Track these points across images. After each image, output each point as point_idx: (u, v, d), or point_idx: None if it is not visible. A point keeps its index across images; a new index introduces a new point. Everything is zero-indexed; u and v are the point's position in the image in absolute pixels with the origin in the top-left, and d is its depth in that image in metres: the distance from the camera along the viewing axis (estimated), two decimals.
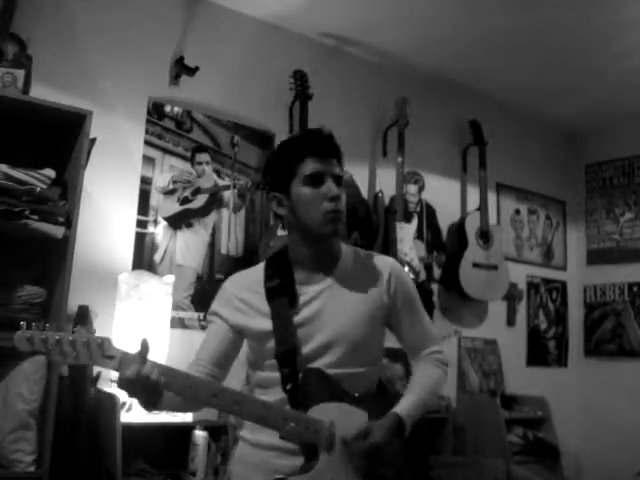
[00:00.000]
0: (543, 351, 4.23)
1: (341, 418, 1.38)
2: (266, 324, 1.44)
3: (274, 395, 1.42)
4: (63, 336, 1.23)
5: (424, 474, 1.51)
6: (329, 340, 1.43)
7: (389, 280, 1.51)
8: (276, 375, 1.42)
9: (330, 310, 1.45)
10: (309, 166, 1.43)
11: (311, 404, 1.38)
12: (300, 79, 3.14)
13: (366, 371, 1.47)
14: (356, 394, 1.43)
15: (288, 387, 1.39)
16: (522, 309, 4.15)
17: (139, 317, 2.41)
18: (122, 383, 1.24)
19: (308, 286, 1.48)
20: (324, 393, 1.40)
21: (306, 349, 1.43)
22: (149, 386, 1.24)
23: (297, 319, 1.44)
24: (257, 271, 1.54)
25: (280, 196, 1.47)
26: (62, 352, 1.22)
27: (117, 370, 1.25)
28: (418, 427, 1.46)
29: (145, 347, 1.26)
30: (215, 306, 1.53)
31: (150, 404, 1.29)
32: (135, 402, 1.32)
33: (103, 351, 1.24)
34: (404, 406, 1.43)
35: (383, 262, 1.55)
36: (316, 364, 1.42)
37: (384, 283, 1.51)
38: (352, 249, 1.58)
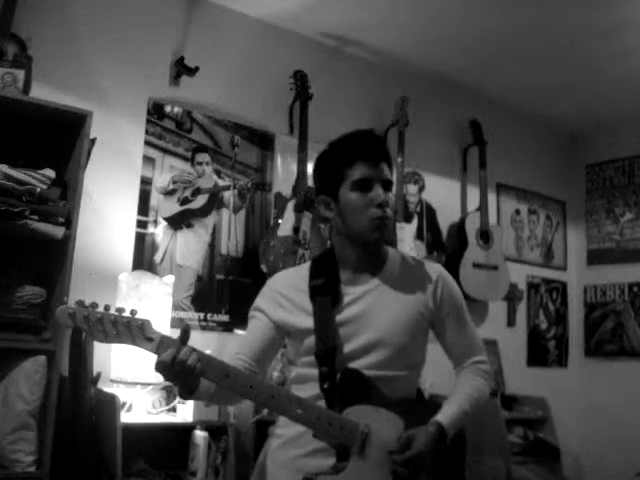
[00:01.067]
0: (543, 351, 4.23)
1: (377, 422, 1.36)
2: (307, 321, 1.44)
3: (310, 391, 1.41)
4: (105, 315, 1.23)
5: None
6: (370, 342, 1.42)
7: (436, 287, 1.50)
8: (313, 372, 1.41)
9: (374, 312, 1.45)
10: (358, 171, 1.43)
11: (347, 405, 1.36)
12: (300, 79, 3.14)
13: (406, 375, 1.46)
14: (394, 399, 1.41)
15: (325, 386, 1.38)
16: (522, 309, 4.15)
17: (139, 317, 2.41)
18: (159, 366, 1.24)
19: (353, 287, 1.47)
20: (361, 395, 1.38)
21: (346, 349, 1.41)
22: (185, 371, 1.23)
23: (339, 318, 1.43)
24: (303, 269, 1.54)
25: (328, 199, 1.48)
26: (104, 330, 1.22)
27: (155, 353, 1.25)
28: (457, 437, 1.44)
29: (185, 332, 1.26)
30: (258, 302, 1.53)
31: (186, 391, 1.29)
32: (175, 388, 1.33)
33: (144, 332, 1.24)
34: (447, 415, 1.41)
35: (431, 269, 1.55)
36: (355, 365, 1.41)
37: (431, 289, 1.50)
38: (400, 254, 1.58)
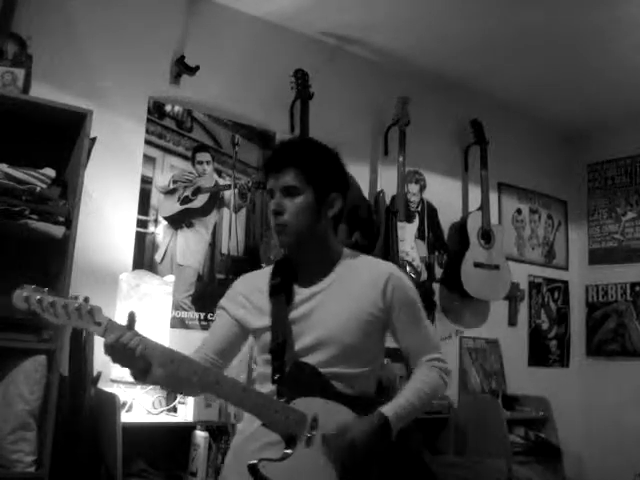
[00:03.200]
0: (545, 351, 4.22)
1: (326, 414, 1.40)
2: (265, 320, 1.51)
3: (266, 388, 1.47)
4: (57, 299, 1.33)
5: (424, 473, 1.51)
6: (319, 340, 1.47)
7: (386, 285, 1.52)
8: (269, 369, 1.47)
9: (322, 311, 1.50)
10: (267, 182, 1.54)
11: (296, 396, 1.41)
12: (301, 78, 3.13)
13: (359, 373, 1.49)
14: (347, 394, 1.45)
15: (276, 377, 1.44)
16: (524, 309, 4.14)
17: (139, 317, 2.40)
18: (105, 349, 1.33)
19: (305, 287, 1.53)
20: (312, 387, 1.43)
21: (297, 346, 1.48)
22: (127, 353, 1.32)
23: (292, 316, 1.50)
24: (265, 271, 1.62)
25: None
26: (55, 313, 1.32)
27: (102, 336, 1.34)
28: (412, 432, 1.48)
29: (131, 318, 1.36)
30: (222, 302, 1.62)
31: (137, 374, 1.37)
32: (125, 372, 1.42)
33: (93, 317, 1.33)
34: (392, 407, 1.43)
35: (383, 268, 1.57)
36: (306, 360, 1.46)
37: (381, 289, 1.51)
38: (354, 253, 1.61)
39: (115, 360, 1.34)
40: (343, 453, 1.36)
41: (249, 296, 1.57)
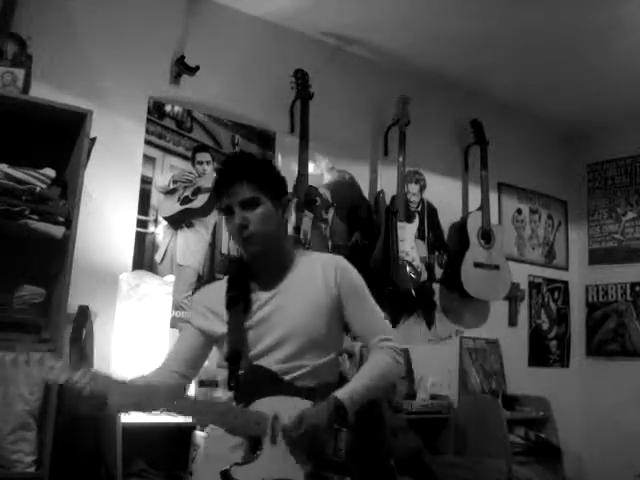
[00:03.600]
0: (545, 351, 4.22)
1: (286, 410, 1.46)
2: (224, 328, 1.58)
3: (225, 394, 1.54)
4: (5, 355, 1.39)
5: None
6: (278, 339, 1.54)
7: (335, 275, 1.61)
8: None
9: (280, 312, 1.57)
10: (221, 200, 1.59)
11: (253, 399, 1.47)
12: (301, 78, 3.13)
13: (322, 363, 1.56)
14: (306, 386, 1.52)
15: (232, 384, 1.51)
16: (524, 309, 4.14)
17: (139, 317, 2.41)
18: (64, 393, 1.46)
19: (262, 292, 1.61)
20: (267, 388, 1.49)
21: (256, 349, 1.55)
22: (78, 391, 1.37)
23: (249, 323, 1.57)
24: (222, 283, 1.68)
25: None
26: (2, 364, 1.41)
27: (55, 379, 1.39)
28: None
29: (77, 357, 1.47)
30: (186, 315, 1.78)
31: (94, 410, 1.42)
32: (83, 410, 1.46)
33: (44, 362, 1.38)
34: (346, 390, 1.50)
35: (330, 260, 1.67)
36: (265, 361, 1.53)
37: (331, 279, 1.61)
38: (304, 253, 1.71)
39: (68, 401, 1.46)
40: (303, 441, 1.42)
41: (209, 306, 1.64)
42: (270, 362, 1.53)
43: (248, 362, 1.53)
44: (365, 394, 1.52)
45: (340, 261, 1.67)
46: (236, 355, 1.53)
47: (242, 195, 1.55)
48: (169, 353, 1.67)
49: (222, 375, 1.63)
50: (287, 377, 1.53)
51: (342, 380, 1.63)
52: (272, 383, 1.50)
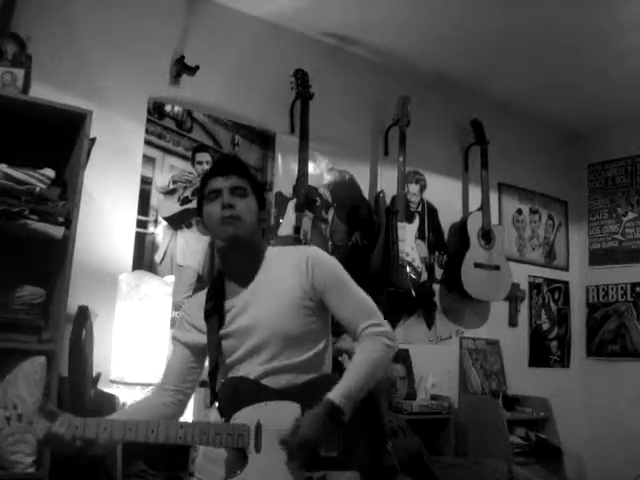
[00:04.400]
0: (545, 352, 4.22)
1: (270, 415, 1.46)
2: (205, 339, 1.61)
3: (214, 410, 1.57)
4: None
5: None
6: (257, 343, 1.53)
7: (307, 267, 1.57)
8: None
9: (255, 316, 1.55)
10: (209, 186, 1.61)
11: (232, 412, 1.47)
12: (301, 78, 3.13)
13: (307, 358, 1.54)
14: (288, 388, 1.50)
15: (211, 400, 1.55)
16: (524, 309, 4.14)
17: (139, 317, 2.40)
18: (44, 445, 1.45)
19: (235, 298, 1.60)
20: (245, 398, 1.48)
21: (233, 357, 1.56)
22: (63, 441, 1.37)
23: (225, 332, 1.57)
24: (202, 294, 1.68)
25: (198, 218, 1.67)
26: None
27: (36, 436, 1.40)
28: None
29: (49, 410, 1.44)
30: (173, 332, 1.73)
31: (83, 452, 1.41)
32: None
33: (21, 421, 1.39)
34: (336, 391, 1.46)
35: (301, 253, 1.63)
36: (247, 366, 1.53)
37: (303, 272, 1.57)
38: (278, 249, 1.70)
39: (57, 450, 1.43)
40: (301, 450, 1.41)
41: (192, 320, 1.65)
42: (252, 367, 1.53)
43: (224, 375, 1.55)
44: (359, 389, 1.49)
45: (311, 253, 1.62)
46: (214, 369, 1.56)
47: (235, 182, 1.59)
48: (165, 369, 1.69)
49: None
50: (270, 379, 1.51)
51: (338, 368, 1.63)
52: (252, 391, 1.50)
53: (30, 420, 1.39)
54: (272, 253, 1.66)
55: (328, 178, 3.35)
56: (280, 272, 1.59)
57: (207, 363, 1.60)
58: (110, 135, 2.62)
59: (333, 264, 1.63)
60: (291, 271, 1.58)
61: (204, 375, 2.05)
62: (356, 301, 1.59)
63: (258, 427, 1.44)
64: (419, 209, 3.70)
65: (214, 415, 1.61)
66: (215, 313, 1.59)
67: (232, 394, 1.51)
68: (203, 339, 1.61)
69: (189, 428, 1.44)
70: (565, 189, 4.51)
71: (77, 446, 1.39)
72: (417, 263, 3.58)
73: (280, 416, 1.45)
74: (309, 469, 1.43)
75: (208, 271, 2.91)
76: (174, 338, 1.69)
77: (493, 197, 3.97)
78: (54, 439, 1.37)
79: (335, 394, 1.45)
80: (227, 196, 1.57)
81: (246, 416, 1.46)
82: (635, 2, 2.96)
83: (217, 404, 1.54)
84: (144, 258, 2.74)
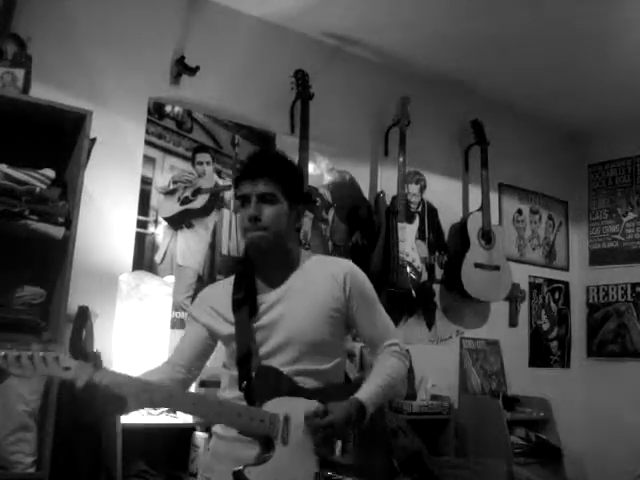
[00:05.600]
0: (545, 352, 4.21)
1: (296, 411, 1.47)
2: (230, 330, 1.59)
3: (232, 393, 1.54)
4: (22, 353, 1.32)
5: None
6: (285, 340, 1.55)
7: (344, 281, 1.60)
8: (235, 374, 1.55)
9: (286, 314, 1.57)
10: (239, 190, 1.60)
11: (265, 399, 1.48)
12: (301, 79, 3.13)
13: (324, 368, 1.56)
14: (312, 389, 1.53)
15: (243, 385, 1.51)
16: (524, 310, 4.14)
17: (139, 318, 2.41)
18: (77, 392, 1.34)
19: (267, 294, 1.60)
20: (277, 389, 1.50)
21: (263, 350, 1.55)
22: (101, 392, 1.34)
23: (257, 325, 1.57)
24: (227, 283, 1.67)
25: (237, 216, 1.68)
26: (21, 366, 1.31)
27: (73, 380, 1.34)
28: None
29: (96, 357, 1.44)
30: (190, 310, 1.73)
31: (114, 411, 1.42)
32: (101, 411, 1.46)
33: (59, 363, 1.34)
34: (365, 392, 1.52)
35: (340, 266, 1.66)
36: (271, 363, 1.53)
37: (340, 285, 1.60)
38: (311, 255, 1.71)
39: (90, 401, 1.37)
40: (322, 431, 1.44)
41: (215, 306, 1.64)
42: (275, 364, 1.54)
43: (257, 363, 1.53)
44: (381, 397, 1.56)
45: (352, 268, 1.66)
46: (246, 357, 1.53)
47: (264, 188, 1.56)
48: (175, 348, 1.67)
49: (226, 376, 1.64)
50: (297, 379, 1.53)
51: (347, 381, 1.66)
52: (282, 384, 1.51)
53: (67, 365, 1.34)
54: (307, 258, 1.67)
55: (328, 178, 3.35)
56: (315, 279, 1.61)
57: (234, 352, 1.57)
58: (110, 135, 2.62)
59: (367, 281, 1.67)
60: (326, 281, 1.61)
61: (203, 375, 2.06)
62: (381, 320, 1.67)
63: (286, 419, 1.46)
64: (419, 209, 3.70)
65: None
66: (246, 304, 1.58)
67: (264, 383, 1.51)
68: (223, 328, 1.60)
69: (227, 407, 1.45)
70: (565, 189, 4.51)
71: (112, 406, 1.37)
72: (417, 263, 3.58)
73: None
74: (327, 469, 1.45)
75: (208, 272, 2.91)
76: (192, 317, 1.67)
77: (493, 197, 3.96)
78: (92, 390, 1.33)
79: (364, 396, 1.50)
80: (254, 205, 1.55)
81: (276, 406, 1.47)
82: (635, 2, 2.96)
83: (243, 390, 1.52)
84: (144, 258, 2.74)
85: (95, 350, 2.31)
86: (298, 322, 1.56)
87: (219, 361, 1.69)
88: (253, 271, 1.64)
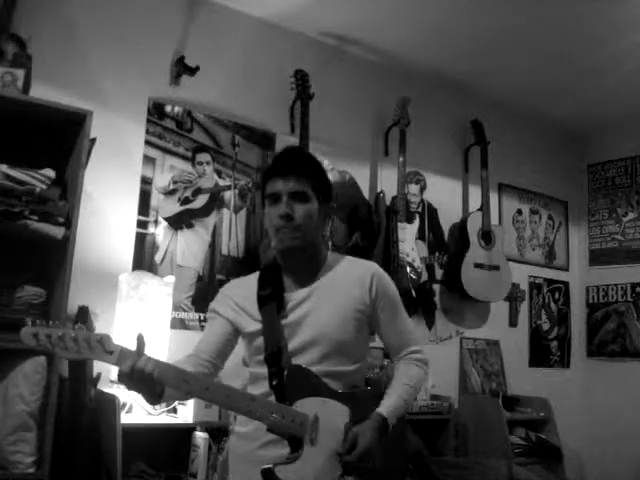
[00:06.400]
0: (545, 352, 4.21)
1: (324, 412, 1.47)
2: (255, 325, 1.57)
3: (260, 389, 1.53)
4: (66, 332, 1.28)
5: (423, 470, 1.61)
6: (311, 339, 1.53)
7: (371, 284, 1.60)
8: (263, 371, 1.53)
9: (313, 313, 1.56)
10: (269, 187, 1.57)
11: (295, 398, 1.47)
12: (301, 79, 3.13)
13: (348, 370, 1.56)
14: (339, 390, 1.52)
15: (274, 383, 1.49)
16: (524, 310, 4.14)
17: (139, 318, 2.40)
18: (120, 377, 1.32)
19: (294, 292, 1.59)
20: (308, 388, 1.49)
21: (289, 348, 1.54)
22: (144, 379, 1.31)
23: (284, 322, 1.56)
24: (252, 279, 1.66)
25: (263, 211, 1.63)
26: (65, 347, 1.27)
27: (116, 364, 1.32)
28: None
29: (141, 342, 1.34)
30: (213, 305, 1.67)
31: (152, 397, 1.38)
32: (139, 398, 1.40)
33: (103, 346, 1.30)
34: (387, 406, 1.53)
35: (366, 268, 1.65)
36: (298, 361, 1.52)
37: (367, 287, 1.60)
38: (338, 256, 1.70)
39: (130, 388, 1.34)
40: (359, 462, 1.43)
41: (239, 302, 1.62)
42: (302, 363, 1.53)
43: (288, 361, 1.52)
44: (402, 408, 1.57)
45: (378, 270, 1.65)
46: (276, 355, 1.51)
47: (295, 186, 1.55)
48: (199, 342, 1.63)
49: (248, 373, 1.62)
50: (324, 379, 1.53)
51: (366, 384, 1.66)
52: (311, 384, 1.50)
53: (111, 349, 1.30)
54: (333, 258, 1.67)
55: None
56: (342, 280, 1.60)
57: (260, 349, 1.54)
58: (110, 135, 2.62)
59: (393, 285, 1.67)
60: (353, 282, 1.60)
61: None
62: (404, 325, 1.67)
63: (315, 420, 1.46)
64: (419, 209, 3.70)
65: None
66: (273, 301, 1.57)
67: (296, 381, 1.49)
68: (248, 324, 1.58)
69: (259, 403, 1.43)
70: (565, 189, 4.51)
71: (153, 390, 1.35)
72: (417, 263, 3.58)
73: (333, 415, 1.48)
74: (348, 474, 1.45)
75: (208, 272, 2.91)
76: (215, 312, 1.65)
77: (493, 197, 3.97)
78: (137, 375, 1.30)
79: (386, 410, 1.51)
80: (286, 203, 1.54)
81: (306, 406, 1.46)
82: (635, 2, 2.96)
83: (274, 387, 1.50)
84: (144, 258, 2.74)
85: (95, 374, 2.32)
86: (325, 320, 1.54)
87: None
88: (280, 268, 1.63)
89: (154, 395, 1.37)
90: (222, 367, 1.63)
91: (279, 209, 1.53)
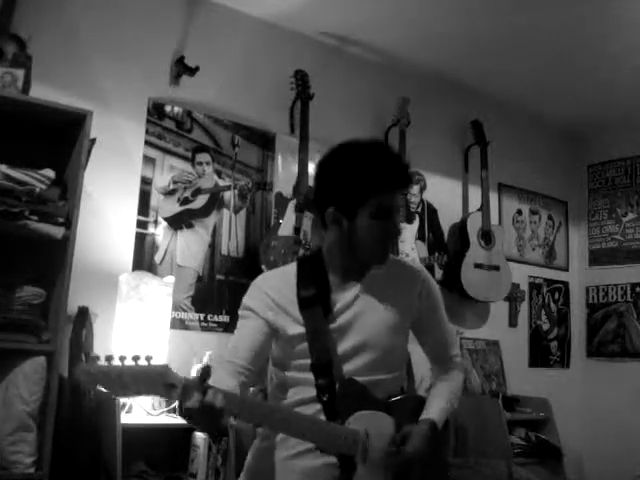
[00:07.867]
0: (545, 352, 4.21)
1: (373, 426, 1.40)
2: (298, 329, 1.44)
3: (304, 394, 1.42)
4: (124, 369, 1.14)
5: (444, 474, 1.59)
6: (361, 344, 1.44)
7: (421, 288, 1.55)
8: (306, 376, 1.42)
9: (363, 316, 1.47)
10: (383, 199, 1.41)
11: (347, 415, 1.39)
12: (301, 79, 3.13)
13: (391, 378, 1.50)
14: (383, 400, 1.46)
15: (325, 398, 1.39)
16: (524, 310, 4.14)
17: (139, 318, 2.40)
18: (187, 413, 1.19)
19: (342, 293, 1.48)
20: (358, 402, 1.41)
21: (339, 352, 1.44)
22: (213, 414, 1.19)
23: (332, 327, 1.44)
24: (290, 274, 1.51)
25: (339, 216, 1.43)
26: (124, 385, 1.14)
27: (180, 399, 1.18)
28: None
29: (206, 372, 1.20)
30: (248, 302, 1.49)
31: (215, 430, 1.34)
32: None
33: (164, 380, 1.16)
34: (436, 411, 1.50)
35: (415, 270, 1.60)
36: (348, 367, 1.43)
37: (417, 290, 1.54)
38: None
39: (197, 423, 1.25)
40: (406, 464, 1.40)
41: (276, 299, 1.46)
42: (347, 370, 1.43)
43: (339, 374, 1.41)
44: (447, 415, 1.54)
45: (426, 274, 1.60)
46: (325, 365, 1.40)
47: (402, 202, 1.51)
48: (233, 346, 1.45)
49: (278, 379, 1.51)
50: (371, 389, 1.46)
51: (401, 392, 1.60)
52: (362, 397, 1.42)
53: (171, 381, 1.16)
54: None
55: None
56: (392, 283, 1.52)
57: (305, 356, 1.42)
58: (110, 135, 2.62)
59: (437, 288, 1.62)
60: (403, 286, 1.53)
61: None
62: (447, 330, 1.63)
63: (366, 436, 1.37)
64: (419, 210, 3.70)
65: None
66: (317, 304, 1.43)
67: (351, 397, 1.40)
68: (290, 327, 1.43)
69: (311, 423, 1.34)
70: (565, 189, 4.51)
71: (219, 422, 1.21)
72: (417, 264, 3.57)
73: (380, 428, 1.41)
74: None
75: (208, 272, 2.91)
76: (250, 309, 1.46)
77: (493, 197, 3.96)
78: (206, 411, 1.17)
79: (436, 416, 1.49)
80: (398, 222, 1.47)
81: (358, 421, 1.38)
82: (635, 2, 2.96)
83: (324, 403, 1.40)
84: (144, 258, 2.74)
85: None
86: (376, 324, 1.46)
87: None
88: (322, 262, 1.50)
89: (221, 430, 1.33)
90: (259, 375, 1.49)
91: (394, 225, 1.45)
